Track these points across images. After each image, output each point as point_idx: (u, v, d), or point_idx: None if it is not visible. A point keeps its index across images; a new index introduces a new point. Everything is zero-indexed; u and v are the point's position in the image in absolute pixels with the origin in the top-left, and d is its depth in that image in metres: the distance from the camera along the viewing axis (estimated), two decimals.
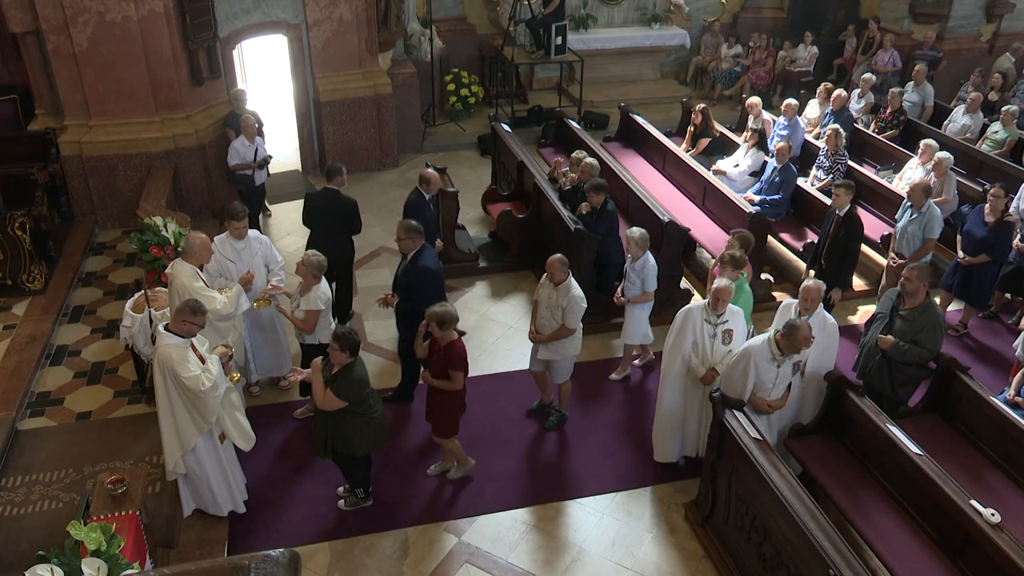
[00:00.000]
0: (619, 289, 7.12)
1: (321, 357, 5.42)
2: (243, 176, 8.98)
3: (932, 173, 8.84)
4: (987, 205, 7.73)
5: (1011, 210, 8.32)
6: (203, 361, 5.25)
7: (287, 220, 10.12)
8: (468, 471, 6.29)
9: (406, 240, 6.45)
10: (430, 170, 7.76)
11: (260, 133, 9.63)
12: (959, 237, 8.05)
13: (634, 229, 6.89)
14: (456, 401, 5.93)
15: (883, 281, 8.21)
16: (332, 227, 7.46)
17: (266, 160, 9.16)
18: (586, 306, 6.25)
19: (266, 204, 10.35)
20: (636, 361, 7.58)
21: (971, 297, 7.96)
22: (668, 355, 6.04)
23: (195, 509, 5.71)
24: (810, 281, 5.98)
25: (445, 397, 5.82)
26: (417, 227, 6.47)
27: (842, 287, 7.68)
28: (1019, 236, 7.88)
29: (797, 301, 6.04)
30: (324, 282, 6.23)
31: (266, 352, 6.92)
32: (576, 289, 6.19)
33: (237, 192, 9.12)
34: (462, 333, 7.69)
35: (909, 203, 7.70)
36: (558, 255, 6.20)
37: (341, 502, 5.94)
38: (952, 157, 8.86)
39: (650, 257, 6.87)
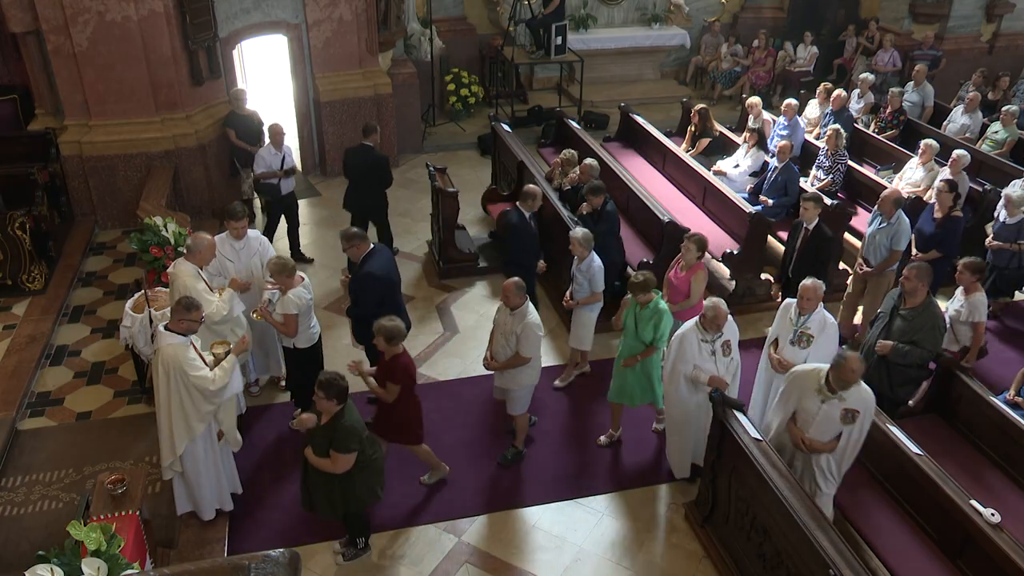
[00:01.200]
0: (568, 292, 6.98)
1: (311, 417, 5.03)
2: (268, 185, 8.75)
3: (948, 170, 8.82)
4: (935, 201, 7.72)
5: (997, 210, 8.25)
6: (202, 359, 5.25)
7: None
8: (443, 476, 6.21)
9: (351, 248, 6.23)
10: (533, 186, 7.61)
11: (261, 133, 9.64)
12: (913, 236, 7.88)
13: (577, 229, 6.75)
14: (409, 410, 5.67)
15: (849, 288, 7.94)
16: (366, 179, 8.49)
17: (293, 169, 8.92)
18: (543, 334, 5.97)
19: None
20: (576, 370, 7.39)
21: None
22: (670, 382, 5.89)
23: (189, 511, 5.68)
24: (809, 280, 5.92)
25: (398, 410, 5.61)
26: (358, 233, 6.27)
27: None
28: (991, 236, 7.88)
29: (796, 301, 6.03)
30: (301, 287, 6.06)
31: (256, 353, 6.90)
32: (532, 316, 5.85)
33: (265, 202, 8.90)
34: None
35: (879, 212, 7.49)
36: (514, 279, 5.84)
37: (339, 556, 5.53)
38: (968, 155, 8.81)
39: (595, 257, 6.72)
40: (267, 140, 8.93)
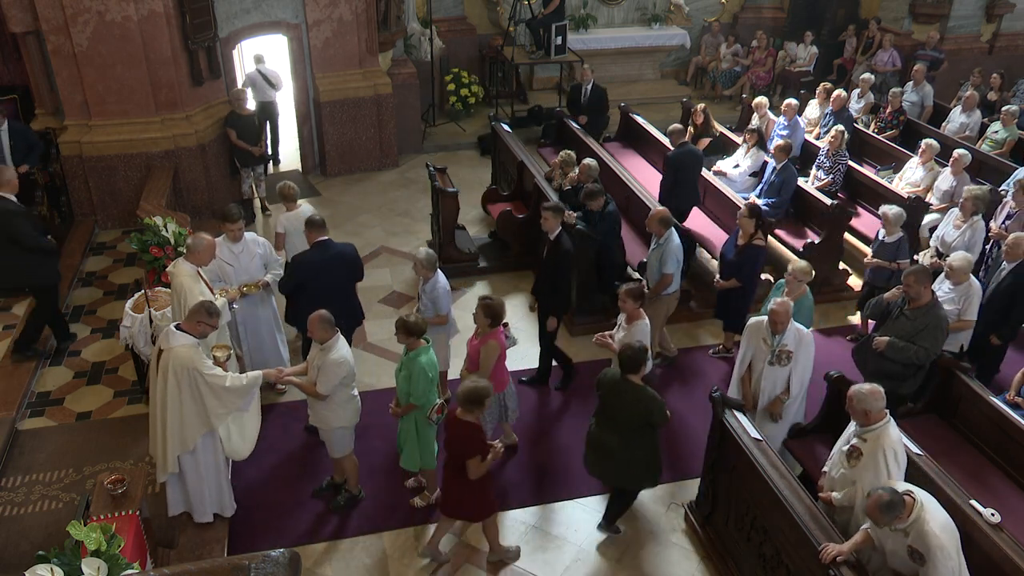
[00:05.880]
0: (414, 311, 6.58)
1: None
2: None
3: (949, 170, 8.80)
4: (738, 227, 7.15)
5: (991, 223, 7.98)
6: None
7: None
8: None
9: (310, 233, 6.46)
10: (678, 124, 8.65)
11: (261, 133, 9.78)
12: (717, 261, 7.59)
13: (420, 249, 6.38)
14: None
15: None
16: (592, 111, 11.33)
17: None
18: (345, 373, 5.34)
19: (266, 203, 10.38)
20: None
21: (728, 320, 7.53)
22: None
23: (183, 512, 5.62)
24: (774, 303, 5.65)
25: None
26: (319, 221, 6.53)
27: (558, 315, 6.89)
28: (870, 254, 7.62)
29: (767, 318, 5.76)
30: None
31: (261, 354, 6.88)
32: (335, 352, 5.29)
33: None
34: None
35: (652, 231, 7.02)
36: (320, 311, 5.32)
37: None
38: (969, 155, 8.78)
39: (441, 278, 6.35)
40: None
